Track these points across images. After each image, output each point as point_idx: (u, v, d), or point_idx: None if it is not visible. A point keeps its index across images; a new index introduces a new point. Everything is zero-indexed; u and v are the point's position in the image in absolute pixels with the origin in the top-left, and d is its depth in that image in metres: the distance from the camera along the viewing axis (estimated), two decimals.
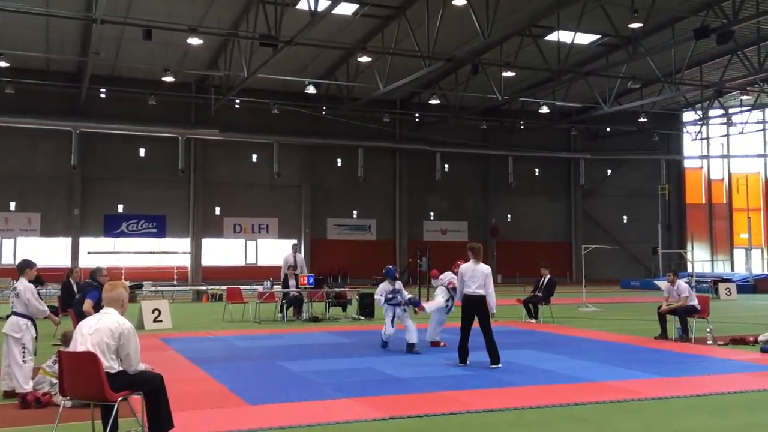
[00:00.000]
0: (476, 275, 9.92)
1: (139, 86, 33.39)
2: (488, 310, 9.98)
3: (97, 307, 9.44)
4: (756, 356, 11.17)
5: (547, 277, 17.22)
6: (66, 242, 34.64)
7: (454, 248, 40.90)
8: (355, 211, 40.12)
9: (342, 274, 37.47)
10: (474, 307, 9.96)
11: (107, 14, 21.63)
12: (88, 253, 34.44)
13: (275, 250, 36.99)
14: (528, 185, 43.34)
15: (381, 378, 9.13)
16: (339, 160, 39.68)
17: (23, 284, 8.06)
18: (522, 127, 40.91)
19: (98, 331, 5.63)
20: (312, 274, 18.51)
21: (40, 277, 19.64)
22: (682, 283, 13.52)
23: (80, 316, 9.23)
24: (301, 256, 20.74)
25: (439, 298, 12.29)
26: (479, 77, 28.60)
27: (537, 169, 43.89)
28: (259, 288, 19.41)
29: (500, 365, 9.78)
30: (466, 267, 10.07)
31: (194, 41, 24.50)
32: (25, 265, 8.22)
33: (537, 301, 17.18)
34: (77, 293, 12.42)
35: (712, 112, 42.87)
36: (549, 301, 17.15)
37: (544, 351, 11.74)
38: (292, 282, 17.86)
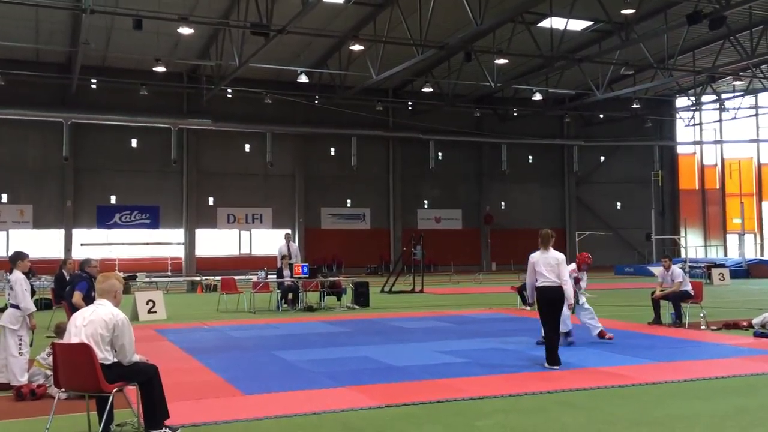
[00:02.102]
0: (550, 264, 9.00)
1: (130, 76, 33.22)
2: (564, 301, 9.04)
3: (87, 298, 9.46)
4: (749, 341, 11.24)
5: None
6: (59, 234, 34.54)
7: (449, 236, 41.24)
8: (348, 200, 40.10)
9: (336, 263, 37.52)
10: (550, 298, 8.99)
11: (97, 4, 21.50)
12: (82, 244, 34.35)
13: (269, 240, 37.01)
14: (521, 172, 43.38)
15: (376, 366, 9.16)
16: (332, 149, 39.62)
17: (16, 276, 8.02)
18: (515, 114, 40.90)
19: (92, 322, 5.63)
20: (306, 264, 18.52)
21: (33, 269, 19.59)
22: (676, 269, 13.58)
23: (73, 308, 9.21)
24: (295, 245, 20.74)
25: None
26: (472, 65, 28.53)
27: (530, 157, 43.92)
28: (254, 278, 19.41)
29: (556, 368, 8.73)
30: (536, 257, 9.10)
31: (185, 31, 24.35)
32: (17, 257, 8.19)
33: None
34: (68, 285, 12.39)
35: (704, 98, 42.88)
36: None
37: (537, 338, 11.76)
38: (286, 272, 17.87)
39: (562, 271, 9.05)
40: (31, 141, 34.01)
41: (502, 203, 43.19)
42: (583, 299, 11.45)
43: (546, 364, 8.88)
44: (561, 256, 9.20)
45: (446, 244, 39.36)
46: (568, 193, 44.65)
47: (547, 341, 9.01)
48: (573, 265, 11.19)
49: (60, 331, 8.10)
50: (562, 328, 9.97)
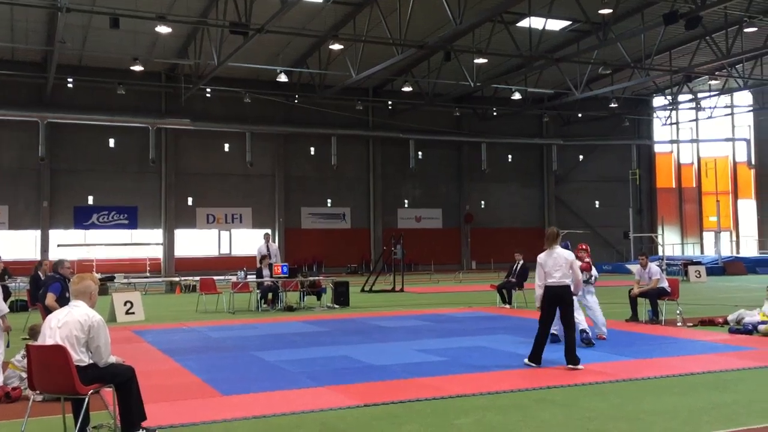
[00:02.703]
0: (558, 263, 8.77)
1: (107, 75, 32.90)
2: (573, 302, 8.96)
3: (61, 300, 9.36)
4: (724, 337, 11.39)
5: (521, 262, 17.35)
6: (35, 235, 34.11)
7: (429, 236, 41.31)
8: (329, 200, 40.03)
9: (317, 262, 37.43)
10: (558, 298, 8.77)
11: (73, 2, 21.25)
12: (58, 245, 33.93)
13: (249, 240, 36.83)
14: (501, 172, 43.58)
15: (355, 366, 9.15)
16: (312, 149, 39.53)
17: None
18: (495, 113, 41.07)
19: (67, 324, 5.57)
20: (286, 264, 18.46)
21: (8, 270, 19.31)
22: (653, 266, 13.72)
23: (47, 310, 9.11)
24: (275, 245, 20.64)
25: None
26: (452, 64, 28.62)
27: (510, 156, 44.13)
28: (233, 278, 19.30)
29: (581, 367, 8.55)
30: (543, 256, 8.88)
31: (163, 29, 24.19)
32: None
33: (510, 286, 17.31)
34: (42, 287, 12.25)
35: (681, 97, 43.39)
36: (522, 287, 17.30)
37: (517, 336, 11.85)
38: (266, 272, 17.80)
39: (574, 269, 8.90)
40: (7, 141, 33.54)
41: (482, 202, 43.36)
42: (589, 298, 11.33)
43: (526, 360, 8.85)
44: (570, 254, 9.03)
45: (426, 244, 39.44)
46: (547, 191, 44.93)
47: (536, 340, 8.80)
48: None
49: (35, 333, 7.99)
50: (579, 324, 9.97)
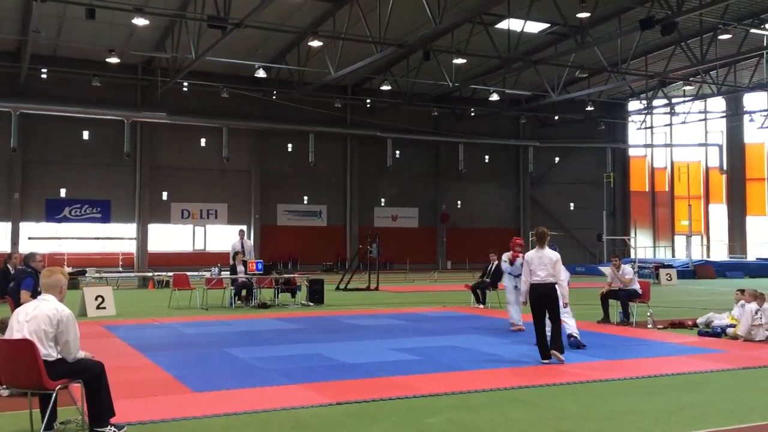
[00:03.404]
0: (544, 262, 9.16)
1: (82, 67, 32.42)
2: (558, 299, 9.23)
3: (34, 294, 9.21)
4: (693, 339, 11.55)
5: (495, 262, 17.39)
6: (6, 227, 33.54)
7: (405, 234, 41.36)
8: (305, 197, 39.90)
9: (292, 260, 37.28)
10: (544, 296, 9.13)
11: None
12: (29, 238, 33.39)
13: (224, 236, 36.53)
14: (478, 172, 43.75)
15: (329, 364, 9.13)
16: (290, 146, 39.36)
17: None
18: (472, 114, 41.21)
19: (35, 318, 5.48)
20: (261, 260, 18.35)
21: None
22: (627, 268, 13.90)
23: (18, 304, 8.96)
24: (249, 242, 20.49)
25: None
26: (430, 64, 28.65)
27: (487, 156, 44.33)
28: (207, 274, 19.16)
29: (562, 358, 9.01)
30: (531, 255, 9.28)
31: (140, 21, 23.89)
32: None
33: (485, 286, 17.39)
34: (12, 280, 12.02)
35: (656, 102, 43.94)
36: (496, 287, 17.36)
37: (490, 335, 11.91)
38: (240, 268, 17.68)
39: (558, 269, 9.23)
40: None
41: (459, 202, 43.50)
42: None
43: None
44: (556, 255, 9.34)
45: (402, 242, 39.47)
46: (523, 193, 45.22)
47: (540, 338, 9.15)
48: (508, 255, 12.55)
49: (2, 326, 7.86)
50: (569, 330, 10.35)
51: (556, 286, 9.21)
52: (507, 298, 13.08)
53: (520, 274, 10.68)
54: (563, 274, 9.42)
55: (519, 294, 11.53)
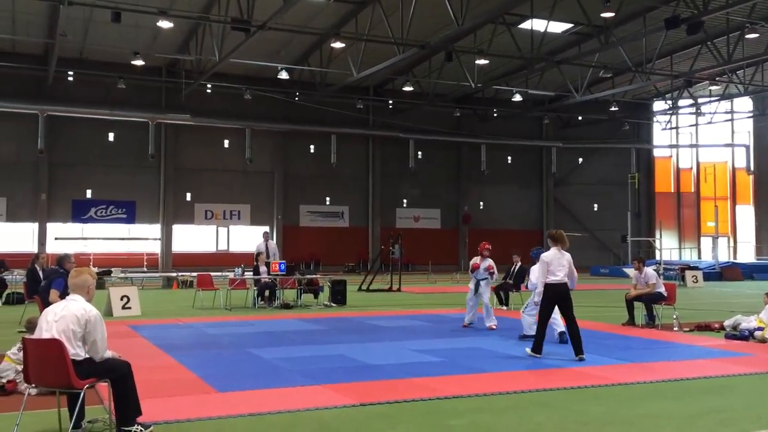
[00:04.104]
0: (562, 263, 9.61)
1: (108, 69, 32.82)
2: (571, 297, 9.74)
3: (64, 296, 9.34)
4: (720, 342, 11.40)
5: (518, 264, 17.36)
6: (33, 228, 34.07)
7: (427, 236, 41.30)
8: (327, 198, 40.01)
9: (314, 261, 37.40)
10: (560, 295, 9.64)
11: None
12: (56, 238, 33.90)
13: (247, 237, 36.79)
14: (500, 173, 43.57)
15: (351, 365, 9.16)
16: (312, 147, 39.50)
17: None
18: (495, 115, 41.06)
19: (64, 318, 5.56)
20: (284, 261, 18.44)
21: (4, 263, 19.32)
22: (649, 271, 13.74)
23: (47, 304, 9.11)
24: (273, 243, 20.59)
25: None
26: (453, 65, 28.60)
27: (509, 157, 44.13)
28: (230, 275, 19.29)
29: (584, 357, 9.38)
30: (551, 255, 9.65)
31: (164, 24, 24.17)
32: None
33: (508, 288, 17.33)
34: (43, 279, 12.20)
35: (681, 102, 43.42)
36: (519, 289, 17.30)
37: (512, 337, 11.84)
38: (263, 269, 17.78)
39: (572, 269, 9.76)
40: (6, 133, 33.48)
41: (481, 203, 43.35)
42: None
43: (530, 351, 9.62)
44: (569, 256, 9.80)
45: (424, 244, 39.42)
46: (546, 194, 44.94)
47: (538, 332, 9.66)
48: (489, 261, 13.15)
49: (31, 326, 8.00)
50: (556, 328, 10.97)
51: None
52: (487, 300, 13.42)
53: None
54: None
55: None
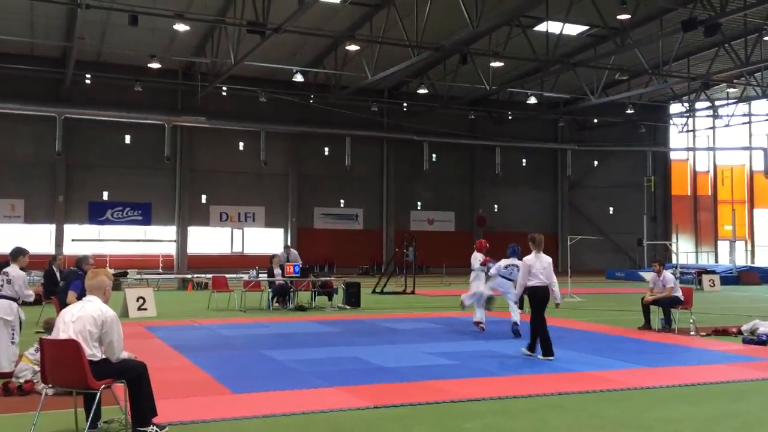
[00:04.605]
0: (543, 265, 9.82)
1: (124, 72, 33.08)
2: (551, 300, 9.96)
3: (81, 297, 9.42)
4: (738, 347, 11.28)
5: None
6: (50, 229, 34.39)
7: (441, 238, 41.23)
8: (342, 200, 40.07)
9: (328, 263, 37.47)
10: (541, 297, 9.88)
11: None
12: (73, 240, 34.22)
13: (262, 239, 36.95)
14: (515, 176, 43.45)
15: (366, 367, 9.15)
16: (326, 149, 39.59)
17: (16, 271, 8.45)
18: (510, 117, 40.95)
19: (81, 318, 5.60)
20: (298, 264, 18.47)
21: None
22: (667, 274, 13.59)
23: (64, 305, 9.20)
24: (295, 251, 20.56)
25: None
26: (467, 67, 28.57)
27: (524, 160, 44.00)
28: (245, 276, 19.36)
29: (553, 357, 9.64)
30: (532, 258, 9.86)
31: (181, 27, 24.34)
32: (18, 253, 8.62)
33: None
34: (60, 281, 12.29)
35: (698, 105, 43.07)
36: None
37: (527, 340, 11.77)
38: (277, 271, 17.83)
39: (551, 272, 9.92)
40: (24, 135, 33.84)
41: (495, 206, 43.24)
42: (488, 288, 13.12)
43: (540, 356, 9.68)
44: (550, 259, 10.03)
45: (438, 246, 39.34)
46: (561, 197, 44.74)
47: (542, 337, 9.73)
48: (481, 256, 13.45)
49: (49, 326, 8.13)
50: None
51: (550, 288, 9.91)
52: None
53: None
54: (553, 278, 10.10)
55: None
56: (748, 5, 23.00)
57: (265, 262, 19.64)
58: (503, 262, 12.52)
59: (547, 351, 9.65)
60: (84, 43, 27.41)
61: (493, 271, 12.77)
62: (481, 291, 13.31)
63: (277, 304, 17.66)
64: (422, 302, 20.50)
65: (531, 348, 9.88)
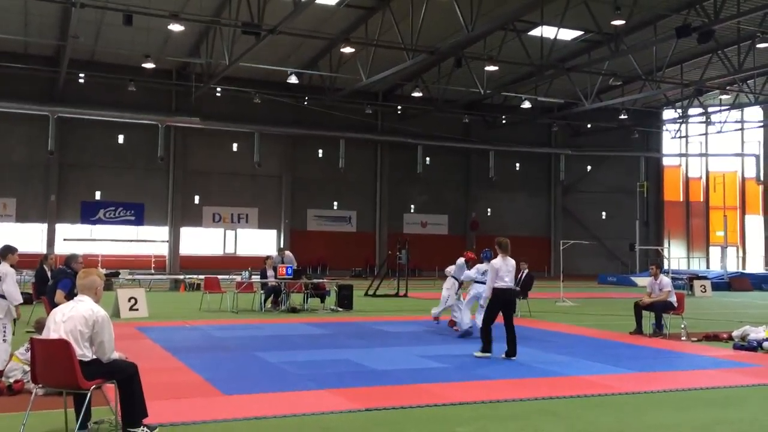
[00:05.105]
0: (509, 269, 10.22)
1: (118, 72, 32.99)
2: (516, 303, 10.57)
3: (70, 296, 9.37)
4: (728, 353, 11.32)
5: (526, 271, 17.32)
6: (42, 228, 34.24)
7: (434, 241, 41.24)
8: (335, 203, 40.05)
9: (321, 265, 37.43)
10: (507, 300, 10.31)
11: None
12: (65, 239, 34.07)
13: (254, 240, 36.87)
14: (508, 180, 43.52)
15: (357, 370, 9.14)
16: (320, 151, 39.57)
17: (6, 269, 8.39)
18: (504, 121, 41.01)
19: (72, 318, 5.58)
20: (291, 265, 18.43)
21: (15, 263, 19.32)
22: (665, 278, 13.60)
23: (53, 304, 9.15)
24: (290, 254, 20.58)
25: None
26: (462, 71, 28.62)
27: (518, 164, 44.07)
28: (238, 278, 19.32)
29: (516, 358, 10.07)
30: (499, 262, 10.20)
31: (175, 28, 24.27)
32: (7, 251, 8.52)
33: (515, 295, 17.24)
34: (51, 280, 12.22)
35: (691, 111, 43.27)
36: (527, 296, 17.25)
37: (519, 345, 11.75)
38: (270, 272, 17.80)
39: (515, 276, 10.52)
40: (17, 134, 33.69)
41: (489, 210, 43.31)
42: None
43: (478, 353, 10.22)
44: (514, 262, 10.47)
45: (431, 249, 39.28)
46: (554, 201, 44.85)
47: (485, 333, 10.29)
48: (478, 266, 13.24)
49: (40, 326, 8.09)
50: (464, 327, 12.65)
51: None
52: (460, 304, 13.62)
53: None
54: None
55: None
56: (741, 12, 23.13)
57: (257, 264, 19.61)
58: (481, 267, 12.80)
59: (487, 347, 10.20)
60: (78, 43, 27.32)
61: (472, 273, 13.03)
62: (446, 298, 13.76)
63: (269, 306, 17.62)
64: (414, 305, 20.48)
65: (510, 353, 10.14)
